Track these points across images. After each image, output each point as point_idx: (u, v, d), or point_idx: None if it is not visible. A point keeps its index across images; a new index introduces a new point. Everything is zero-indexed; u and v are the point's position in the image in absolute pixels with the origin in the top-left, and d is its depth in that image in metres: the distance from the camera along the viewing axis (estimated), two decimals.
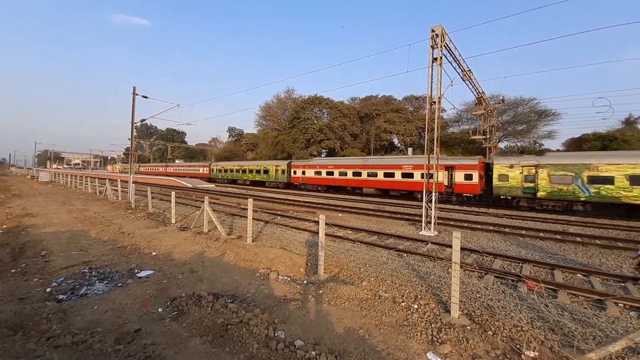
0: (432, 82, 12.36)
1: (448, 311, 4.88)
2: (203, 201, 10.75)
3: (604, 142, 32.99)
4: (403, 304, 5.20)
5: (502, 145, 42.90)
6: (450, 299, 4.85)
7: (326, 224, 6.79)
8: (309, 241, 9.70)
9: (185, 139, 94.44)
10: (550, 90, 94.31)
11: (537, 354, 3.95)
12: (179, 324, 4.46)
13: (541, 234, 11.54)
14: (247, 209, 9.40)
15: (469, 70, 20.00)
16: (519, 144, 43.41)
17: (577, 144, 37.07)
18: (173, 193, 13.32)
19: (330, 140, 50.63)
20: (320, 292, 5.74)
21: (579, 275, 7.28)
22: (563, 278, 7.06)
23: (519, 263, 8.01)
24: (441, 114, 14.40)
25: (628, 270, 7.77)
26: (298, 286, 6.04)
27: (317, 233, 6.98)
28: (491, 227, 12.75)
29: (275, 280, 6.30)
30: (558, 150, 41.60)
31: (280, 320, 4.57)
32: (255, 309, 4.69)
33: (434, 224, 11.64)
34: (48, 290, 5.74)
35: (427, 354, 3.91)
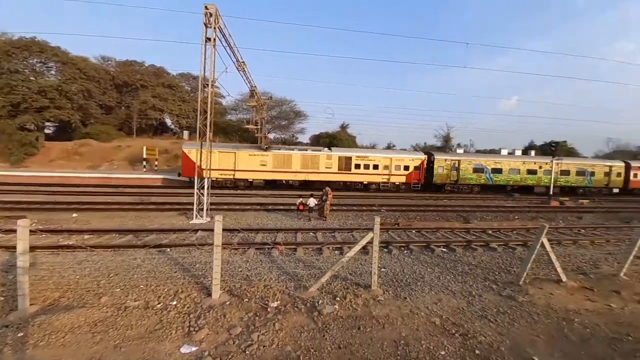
0: (205, 61, 11.82)
1: (210, 295, 4.85)
2: None
3: (331, 140, 48.06)
4: (159, 305, 4.55)
5: (271, 136, 50.73)
6: (212, 282, 4.83)
7: (40, 231, 4.51)
8: (4, 263, 6.20)
9: None
10: (302, 95, 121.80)
11: (279, 302, 4.83)
12: None
13: (292, 207, 14.61)
14: None
15: (243, 61, 21.30)
16: (282, 136, 53.43)
17: (317, 140, 51.57)
18: None
19: (62, 109, 35.98)
20: (21, 335, 3.77)
21: (311, 233, 9.97)
22: (301, 238, 9.34)
23: (274, 233, 9.69)
24: (220, 100, 14.33)
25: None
26: None
27: (15, 249, 4.47)
28: (257, 207, 14.63)
29: None
30: (307, 144, 55.69)
31: None
32: None
33: (207, 210, 11.50)
34: None
35: (181, 348, 3.62)
